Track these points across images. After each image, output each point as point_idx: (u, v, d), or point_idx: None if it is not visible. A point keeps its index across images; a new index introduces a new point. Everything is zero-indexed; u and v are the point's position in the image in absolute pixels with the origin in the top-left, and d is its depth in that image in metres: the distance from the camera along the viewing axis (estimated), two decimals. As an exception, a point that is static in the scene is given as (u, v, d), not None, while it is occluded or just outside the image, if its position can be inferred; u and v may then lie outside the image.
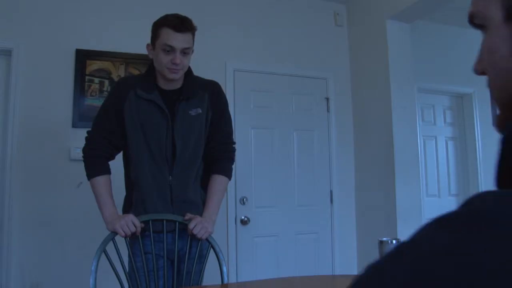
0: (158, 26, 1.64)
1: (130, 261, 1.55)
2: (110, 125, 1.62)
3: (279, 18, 3.44)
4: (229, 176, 1.78)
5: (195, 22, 3.30)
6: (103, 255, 1.48)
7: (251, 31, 3.33)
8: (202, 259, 1.63)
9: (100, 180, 1.60)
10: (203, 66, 3.15)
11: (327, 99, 3.52)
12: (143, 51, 2.87)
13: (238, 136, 3.19)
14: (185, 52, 1.62)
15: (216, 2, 3.26)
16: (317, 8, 3.60)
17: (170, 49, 1.59)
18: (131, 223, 1.52)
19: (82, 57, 2.80)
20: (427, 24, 3.84)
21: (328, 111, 3.51)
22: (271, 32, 3.39)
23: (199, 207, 1.70)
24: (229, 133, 1.80)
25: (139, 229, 1.55)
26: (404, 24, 3.23)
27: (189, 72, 1.72)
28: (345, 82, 3.62)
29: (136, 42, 2.92)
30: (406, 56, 3.25)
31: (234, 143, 1.81)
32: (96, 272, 1.41)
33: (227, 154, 1.78)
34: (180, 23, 1.63)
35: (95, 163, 1.62)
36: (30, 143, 2.63)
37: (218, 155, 1.76)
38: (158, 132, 1.61)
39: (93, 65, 2.83)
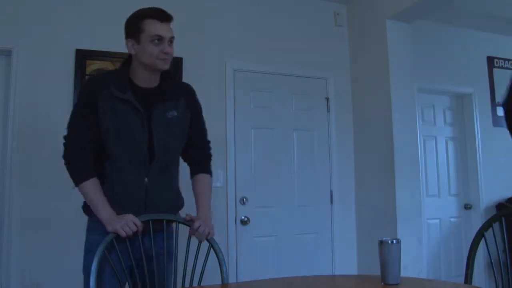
0: (140, 19, 1.59)
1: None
2: (89, 126, 1.55)
3: (279, 18, 3.44)
4: (211, 174, 1.82)
5: (195, 22, 3.34)
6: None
7: (251, 31, 3.33)
8: (171, 256, 1.63)
9: (91, 183, 1.54)
10: (203, 66, 3.17)
11: (327, 99, 3.52)
12: (143, 51, 2.88)
13: (238, 136, 3.20)
14: (171, 41, 1.61)
15: (216, 2, 3.26)
16: (317, 8, 3.60)
17: (159, 40, 1.57)
18: (132, 223, 1.52)
19: (82, 57, 2.80)
20: (427, 24, 3.84)
21: (328, 111, 3.51)
22: (271, 32, 3.39)
23: (177, 210, 1.72)
24: (206, 132, 1.87)
25: (140, 228, 1.54)
26: (404, 24, 3.23)
27: (168, 71, 1.68)
28: (345, 82, 3.62)
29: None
30: (406, 56, 3.25)
31: (209, 141, 1.87)
32: (96, 272, 1.40)
33: (207, 152, 1.83)
34: (164, 13, 1.60)
35: (81, 167, 1.56)
36: (30, 143, 2.63)
37: (200, 155, 1.80)
38: (134, 132, 1.57)
39: (93, 65, 2.83)
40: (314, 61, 3.51)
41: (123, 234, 1.49)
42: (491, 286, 3.48)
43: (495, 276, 1.51)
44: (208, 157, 1.84)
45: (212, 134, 3.10)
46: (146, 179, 1.60)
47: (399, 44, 3.21)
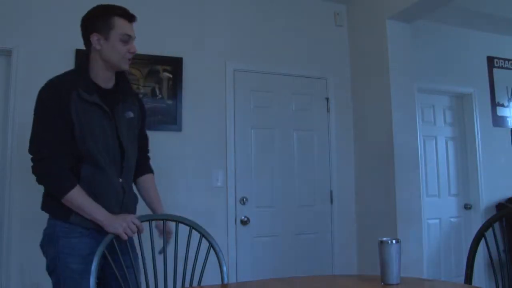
0: (110, 15, 1.58)
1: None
2: (62, 130, 1.47)
3: (279, 18, 3.44)
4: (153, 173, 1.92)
5: (195, 22, 3.33)
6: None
7: (251, 31, 3.33)
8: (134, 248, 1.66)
9: (77, 190, 1.48)
10: (203, 66, 3.17)
11: (327, 99, 3.52)
12: (143, 51, 2.88)
13: (238, 136, 3.20)
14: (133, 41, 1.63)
15: (216, 2, 3.26)
16: (317, 8, 3.60)
17: (127, 39, 1.58)
18: (133, 224, 1.52)
19: (82, 57, 2.79)
20: (427, 24, 3.85)
21: (328, 111, 3.51)
22: (271, 32, 3.39)
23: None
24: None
25: (141, 229, 1.55)
26: (404, 24, 3.23)
27: (123, 72, 1.69)
28: (345, 82, 3.62)
29: (136, 42, 2.92)
30: (406, 56, 3.25)
31: None
32: (96, 272, 1.40)
33: (148, 154, 1.91)
34: (132, 14, 1.64)
35: (63, 177, 1.48)
36: (30, 143, 2.63)
37: (146, 156, 1.89)
38: (106, 133, 1.57)
39: (93, 65, 2.82)
40: (314, 61, 3.51)
41: (124, 237, 1.49)
42: (491, 286, 3.48)
43: (495, 276, 1.51)
44: (149, 158, 1.92)
45: (212, 134, 3.13)
46: (120, 179, 1.62)
47: (399, 44, 3.21)
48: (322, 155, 3.46)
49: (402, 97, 3.17)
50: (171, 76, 3.01)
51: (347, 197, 3.49)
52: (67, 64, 2.77)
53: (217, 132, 3.14)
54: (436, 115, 4.02)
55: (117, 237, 1.50)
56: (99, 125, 1.55)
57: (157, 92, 2.97)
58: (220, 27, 3.24)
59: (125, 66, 1.62)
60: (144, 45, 2.88)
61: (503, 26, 4.10)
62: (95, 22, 1.58)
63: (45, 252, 1.61)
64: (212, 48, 3.19)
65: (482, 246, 1.53)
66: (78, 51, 2.79)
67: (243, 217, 3.13)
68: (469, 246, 1.53)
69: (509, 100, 4.29)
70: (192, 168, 3.03)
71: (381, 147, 3.21)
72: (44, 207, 1.64)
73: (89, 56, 1.61)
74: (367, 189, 3.39)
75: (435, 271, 3.74)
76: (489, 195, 3.96)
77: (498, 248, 1.53)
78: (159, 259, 1.61)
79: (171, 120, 2.98)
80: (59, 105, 1.48)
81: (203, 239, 1.65)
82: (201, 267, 1.61)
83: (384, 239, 1.30)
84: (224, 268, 1.59)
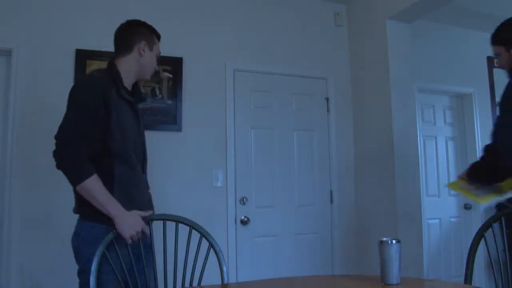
0: (153, 34, 1.78)
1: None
2: (95, 125, 1.53)
3: (279, 18, 3.44)
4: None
5: (195, 22, 3.33)
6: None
7: (251, 31, 3.33)
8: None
9: (95, 178, 1.50)
10: (203, 66, 3.17)
11: (327, 99, 3.52)
12: (143, 51, 2.88)
13: (238, 136, 3.20)
14: None
15: (216, 2, 3.26)
16: (317, 8, 3.60)
17: (158, 59, 1.81)
18: (141, 233, 1.55)
19: (82, 57, 2.80)
20: (427, 24, 3.85)
21: (328, 111, 3.51)
22: (271, 32, 3.39)
23: None
24: None
25: (148, 234, 1.60)
26: (404, 24, 3.24)
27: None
28: (345, 82, 3.62)
29: (136, 42, 2.93)
30: (406, 56, 3.25)
31: None
32: (96, 272, 1.40)
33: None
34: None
35: (84, 164, 1.50)
36: (30, 143, 2.63)
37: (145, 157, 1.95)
38: (135, 132, 1.67)
39: (93, 65, 2.82)
40: (314, 61, 3.51)
41: (129, 242, 1.52)
42: (491, 286, 3.48)
43: (495, 276, 1.51)
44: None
45: (212, 134, 3.13)
46: (144, 176, 1.74)
47: (399, 44, 3.21)
48: (322, 155, 3.46)
49: (402, 97, 3.18)
50: (171, 76, 3.01)
51: (347, 197, 3.49)
52: (67, 64, 2.78)
53: (217, 132, 3.14)
54: (436, 115, 4.02)
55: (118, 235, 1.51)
56: (131, 125, 1.65)
57: (157, 92, 2.97)
58: (220, 27, 3.24)
59: (148, 78, 1.80)
60: (144, 45, 2.88)
61: (503, 26, 4.10)
62: (145, 32, 1.75)
63: (79, 253, 1.57)
64: (212, 48, 3.19)
65: (482, 246, 1.53)
66: (78, 51, 2.80)
67: (243, 217, 3.13)
68: (469, 246, 1.53)
69: (509, 100, 4.29)
70: (192, 168, 3.03)
71: (381, 147, 3.21)
72: (81, 209, 1.60)
73: (116, 60, 1.70)
74: (367, 189, 3.39)
75: (435, 271, 3.74)
76: (489, 195, 3.96)
77: (497, 248, 1.53)
78: (159, 259, 1.61)
79: (171, 120, 2.98)
80: (98, 102, 1.54)
81: (203, 239, 1.65)
82: (201, 267, 1.61)
83: (384, 239, 1.30)
84: (224, 268, 1.60)
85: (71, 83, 2.74)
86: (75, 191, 1.57)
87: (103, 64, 2.82)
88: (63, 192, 2.67)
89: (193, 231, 1.65)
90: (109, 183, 1.54)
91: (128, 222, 1.51)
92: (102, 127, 1.53)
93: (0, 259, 2.52)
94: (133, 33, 1.72)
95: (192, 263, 1.59)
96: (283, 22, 3.45)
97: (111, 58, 1.74)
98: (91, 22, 2.86)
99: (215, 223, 2.98)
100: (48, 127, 2.67)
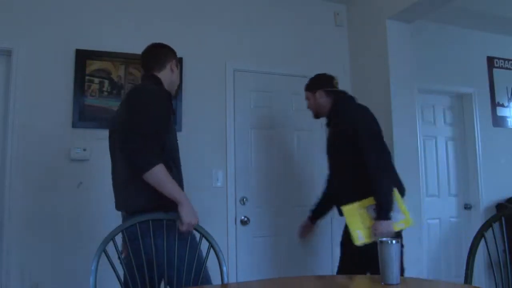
0: (176, 55, 2.01)
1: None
2: (167, 121, 1.74)
3: (279, 18, 3.44)
4: None
5: (195, 22, 3.33)
6: (103, 255, 1.48)
7: (251, 31, 3.33)
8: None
9: (163, 166, 1.60)
10: (203, 66, 3.17)
11: (327, 99, 3.51)
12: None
13: (238, 136, 3.20)
14: None
15: (216, 3, 3.26)
16: (317, 8, 3.60)
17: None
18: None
19: (82, 57, 2.80)
20: (427, 24, 3.85)
21: (328, 111, 3.50)
22: (271, 32, 3.39)
23: None
24: None
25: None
26: (404, 24, 3.23)
27: None
28: (345, 82, 3.62)
29: (136, 42, 2.92)
30: (406, 56, 3.24)
31: None
32: (96, 272, 1.40)
33: None
34: None
35: (154, 151, 1.60)
36: (30, 143, 2.63)
37: None
38: (175, 133, 1.86)
39: (93, 65, 2.83)
40: (314, 61, 3.51)
41: (185, 228, 1.61)
42: (491, 286, 3.48)
43: (495, 276, 1.51)
44: None
45: (212, 134, 3.13)
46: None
47: (399, 44, 3.21)
48: (322, 155, 3.45)
49: (402, 97, 3.17)
50: (171, 76, 3.01)
51: (347, 197, 3.49)
52: (67, 64, 2.78)
53: (217, 132, 3.14)
54: (436, 115, 4.02)
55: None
56: (173, 128, 1.86)
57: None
58: (220, 27, 3.24)
59: (173, 93, 1.97)
60: (144, 45, 2.87)
61: (503, 26, 4.10)
62: (174, 53, 1.99)
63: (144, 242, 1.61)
64: (212, 48, 3.19)
65: (482, 246, 1.53)
66: (78, 51, 2.80)
67: (243, 217, 3.13)
68: (469, 246, 1.53)
69: (509, 100, 4.29)
70: (192, 168, 3.02)
71: (381, 147, 3.20)
72: (150, 203, 1.67)
73: (156, 74, 1.90)
74: (367, 189, 3.38)
75: (435, 271, 3.74)
76: (489, 195, 3.96)
77: (497, 248, 1.53)
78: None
79: (171, 120, 2.98)
80: (169, 104, 1.76)
81: (203, 239, 1.66)
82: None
83: (384, 239, 1.30)
84: (224, 268, 1.60)
85: (71, 83, 2.76)
86: (131, 184, 1.66)
87: (103, 64, 2.86)
88: (63, 192, 2.68)
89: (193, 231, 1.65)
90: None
91: (193, 211, 1.63)
92: (168, 127, 1.74)
93: (0, 259, 2.52)
94: (165, 54, 1.94)
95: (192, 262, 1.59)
96: (283, 22, 3.45)
97: (147, 71, 1.92)
98: (91, 22, 2.86)
99: (215, 223, 2.98)
100: (48, 126, 2.69)
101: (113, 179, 1.83)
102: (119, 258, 1.55)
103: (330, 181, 2.59)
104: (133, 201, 1.68)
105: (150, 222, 1.60)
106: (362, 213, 2.14)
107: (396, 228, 2.10)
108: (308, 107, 2.54)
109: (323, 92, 2.42)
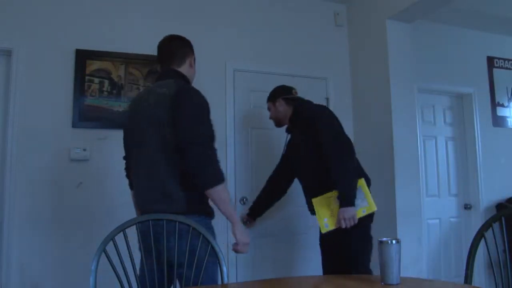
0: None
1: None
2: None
3: (279, 18, 3.44)
4: None
5: (195, 22, 3.33)
6: (103, 255, 1.48)
7: (251, 31, 3.33)
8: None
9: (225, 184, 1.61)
10: (203, 66, 3.16)
11: (327, 99, 3.52)
12: (143, 51, 2.89)
13: (238, 136, 3.19)
14: None
15: (216, 3, 3.26)
16: (317, 8, 3.60)
17: None
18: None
19: (82, 57, 2.80)
20: (427, 24, 3.85)
21: (328, 111, 3.50)
22: (271, 32, 3.39)
23: None
24: None
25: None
26: (404, 24, 3.24)
27: None
28: (345, 82, 3.62)
29: (136, 42, 2.93)
30: (406, 56, 3.25)
31: None
32: (96, 272, 1.40)
33: None
34: None
35: (220, 167, 1.62)
36: (30, 143, 2.63)
37: None
38: None
39: (93, 65, 2.83)
40: (314, 61, 3.51)
41: (240, 250, 1.70)
42: (491, 286, 3.48)
43: (495, 276, 1.51)
44: None
45: (212, 134, 3.12)
46: None
47: (399, 44, 3.21)
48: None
49: (402, 97, 3.18)
50: (171, 76, 3.01)
51: (347, 197, 3.48)
52: (67, 64, 2.78)
53: (217, 132, 3.13)
54: (436, 115, 4.02)
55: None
56: None
57: (157, 92, 2.97)
58: (220, 27, 3.24)
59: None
60: (144, 45, 2.89)
61: (503, 26, 4.10)
62: (193, 48, 1.91)
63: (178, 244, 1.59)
64: (212, 48, 3.18)
65: (482, 246, 1.53)
66: (78, 51, 2.80)
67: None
68: (469, 246, 1.53)
69: (509, 100, 4.29)
70: (192, 168, 3.02)
71: (381, 147, 3.20)
72: (193, 206, 1.66)
73: (179, 70, 1.81)
74: (367, 189, 3.38)
75: (435, 271, 3.74)
76: (489, 195, 3.96)
77: (497, 248, 1.53)
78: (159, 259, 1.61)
79: (171, 120, 2.98)
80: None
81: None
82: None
83: (384, 239, 1.30)
84: (224, 268, 1.59)
85: (71, 83, 2.76)
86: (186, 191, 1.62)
87: (103, 64, 2.86)
88: (63, 192, 2.68)
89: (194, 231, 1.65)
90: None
91: (246, 231, 1.69)
92: None
93: (0, 259, 2.52)
94: (185, 46, 1.86)
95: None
96: (283, 22, 3.45)
97: (166, 66, 1.80)
98: (91, 22, 2.86)
99: (215, 223, 2.97)
100: (48, 126, 2.69)
101: (138, 178, 1.75)
102: (139, 248, 1.56)
103: (273, 177, 2.77)
104: (175, 204, 1.62)
105: (177, 223, 1.56)
106: (330, 203, 2.26)
107: (360, 214, 2.22)
108: (270, 117, 2.66)
109: (283, 100, 2.55)
